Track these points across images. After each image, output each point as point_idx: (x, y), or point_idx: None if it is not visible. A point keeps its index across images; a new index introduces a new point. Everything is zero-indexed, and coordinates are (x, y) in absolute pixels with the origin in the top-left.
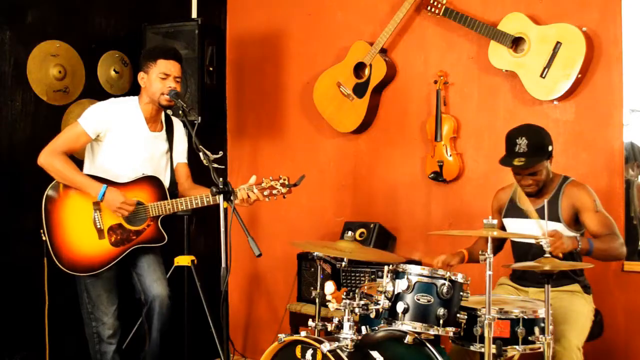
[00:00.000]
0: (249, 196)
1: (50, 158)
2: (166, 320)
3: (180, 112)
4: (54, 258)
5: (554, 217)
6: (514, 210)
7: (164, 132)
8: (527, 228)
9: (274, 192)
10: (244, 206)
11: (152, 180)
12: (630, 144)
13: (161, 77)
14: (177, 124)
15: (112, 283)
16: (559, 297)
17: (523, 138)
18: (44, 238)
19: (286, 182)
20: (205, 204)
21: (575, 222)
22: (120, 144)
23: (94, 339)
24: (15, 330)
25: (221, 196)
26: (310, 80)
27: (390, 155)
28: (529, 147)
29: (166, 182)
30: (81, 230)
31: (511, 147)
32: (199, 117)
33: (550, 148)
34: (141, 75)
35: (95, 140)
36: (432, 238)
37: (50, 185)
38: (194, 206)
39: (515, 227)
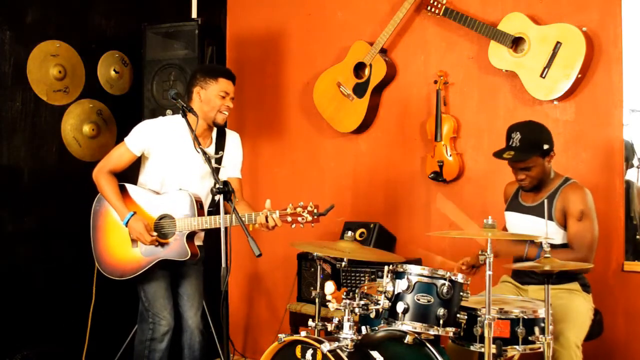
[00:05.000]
0: (267, 220)
1: (98, 175)
2: (198, 355)
3: (181, 112)
4: (97, 264)
5: (549, 215)
6: (515, 205)
7: (212, 147)
8: (525, 222)
9: (300, 219)
10: (263, 230)
11: (187, 196)
12: (630, 142)
13: (221, 95)
14: (231, 138)
15: (167, 282)
16: (558, 296)
17: (517, 133)
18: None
19: (315, 211)
20: (228, 225)
21: None
22: (165, 160)
23: (147, 335)
24: (16, 330)
25: (221, 196)
26: (310, 80)
27: (390, 155)
28: (521, 142)
29: (208, 199)
30: (119, 240)
31: (507, 141)
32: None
33: (546, 146)
34: (197, 90)
35: (143, 156)
36: (432, 238)
37: (95, 199)
38: (217, 226)
39: (514, 221)
